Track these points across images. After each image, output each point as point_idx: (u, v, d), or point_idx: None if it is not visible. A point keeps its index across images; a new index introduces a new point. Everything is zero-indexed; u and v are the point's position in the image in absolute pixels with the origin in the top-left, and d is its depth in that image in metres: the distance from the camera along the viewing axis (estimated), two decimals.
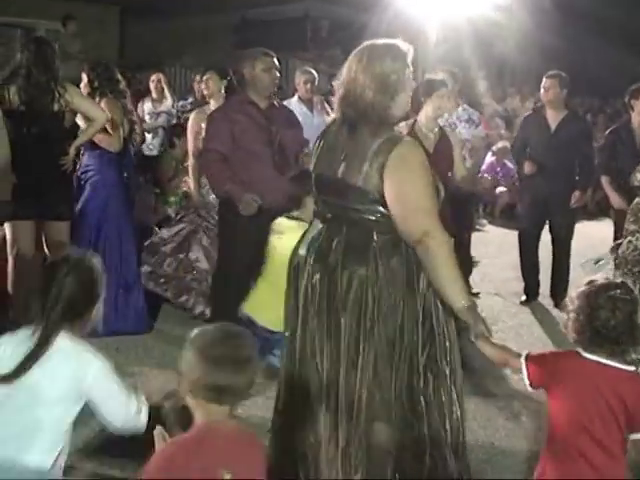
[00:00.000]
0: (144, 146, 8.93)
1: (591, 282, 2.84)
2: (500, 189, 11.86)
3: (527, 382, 2.89)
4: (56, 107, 5.43)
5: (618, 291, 2.76)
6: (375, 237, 3.24)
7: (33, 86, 5.36)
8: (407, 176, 3.17)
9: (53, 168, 5.51)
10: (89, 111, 5.65)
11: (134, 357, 5.61)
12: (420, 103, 5.42)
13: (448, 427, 3.36)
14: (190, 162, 6.41)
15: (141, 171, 8.03)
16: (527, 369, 2.88)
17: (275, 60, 5.40)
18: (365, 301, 3.23)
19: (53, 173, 5.52)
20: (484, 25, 14.38)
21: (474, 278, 7.49)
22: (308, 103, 7.78)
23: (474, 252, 7.54)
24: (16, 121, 5.31)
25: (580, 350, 2.82)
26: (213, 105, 6.38)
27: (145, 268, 6.25)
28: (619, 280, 2.92)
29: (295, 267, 3.45)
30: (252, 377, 2.48)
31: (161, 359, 5.56)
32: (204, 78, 6.50)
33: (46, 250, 5.67)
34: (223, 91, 6.43)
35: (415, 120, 5.51)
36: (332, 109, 5.53)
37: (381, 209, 3.21)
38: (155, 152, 8.54)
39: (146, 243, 6.40)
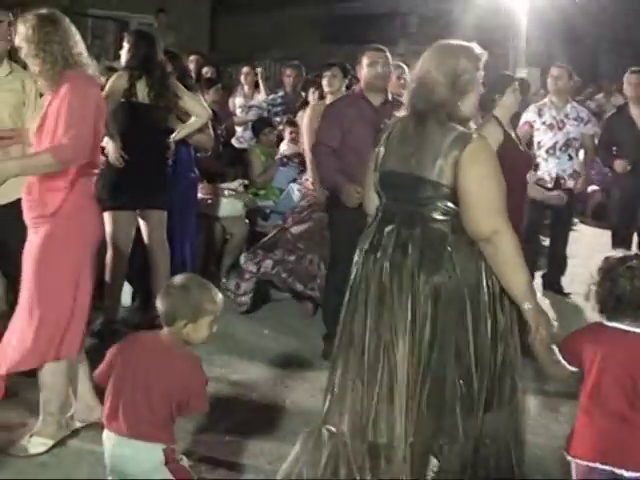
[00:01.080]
0: (234, 139, 9.01)
1: (608, 258, 3.04)
2: (592, 188, 11.59)
3: (566, 363, 3.07)
4: (172, 101, 5.54)
5: (635, 261, 2.99)
6: (449, 238, 3.24)
7: (158, 81, 5.47)
8: (480, 172, 3.19)
9: (157, 160, 5.63)
10: (194, 107, 5.74)
11: (223, 347, 5.66)
12: (494, 100, 5.31)
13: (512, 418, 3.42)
14: (308, 159, 6.41)
15: (231, 163, 8.10)
16: (562, 351, 3.07)
17: (385, 55, 5.39)
18: (439, 306, 3.23)
19: (157, 164, 5.64)
20: (572, 19, 14.12)
21: (565, 279, 7.36)
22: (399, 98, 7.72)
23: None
24: (138, 113, 5.38)
25: (603, 320, 3.02)
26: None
27: (270, 262, 6.27)
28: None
29: (360, 266, 3.44)
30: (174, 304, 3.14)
31: (251, 351, 5.61)
32: (328, 74, 6.46)
33: (145, 239, 5.76)
34: (344, 88, 6.41)
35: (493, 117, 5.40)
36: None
37: (452, 205, 3.23)
38: (245, 145, 8.59)
39: (268, 238, 6.43)
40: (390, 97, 5.54)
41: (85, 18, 14.55)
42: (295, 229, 6.21)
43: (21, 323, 3.93)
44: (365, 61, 5.36)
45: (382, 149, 3.44)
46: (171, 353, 3.21)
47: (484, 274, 3.26)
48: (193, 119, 5.75)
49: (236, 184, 7.33)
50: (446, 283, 3.22)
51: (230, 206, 7.06)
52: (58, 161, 3.74)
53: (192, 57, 9.89)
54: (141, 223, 5.75)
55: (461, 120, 3.31)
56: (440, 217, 3.25)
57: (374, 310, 3.35)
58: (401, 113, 3.47)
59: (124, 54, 5.58)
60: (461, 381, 3.25)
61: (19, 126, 4.53)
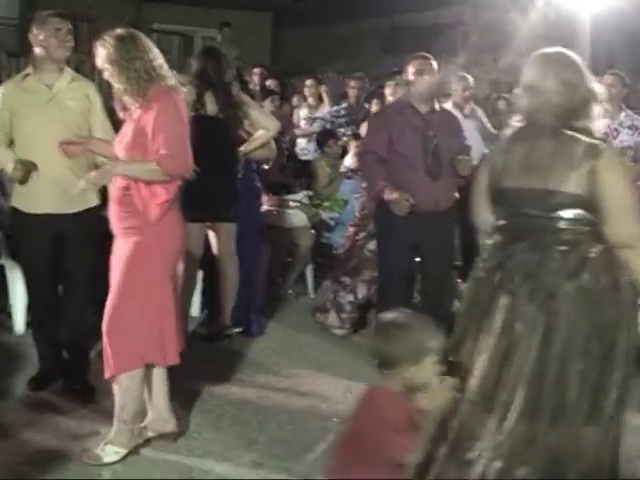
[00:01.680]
0: (298, 150, 9.05)
1: None
2: None
3: None
4: (240, 114, 5.60)
5: None
6: (586, 246, 3.22)
7: (225, 94, 5.52)
8: (619, 180, 3.21)
9: (227, 172, 5.69)
10: (262, 120, 5.78)
11: (290, 359, 5.67)
12: None
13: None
14: None
15: (296, 175, 8.13)
16: None
17: (431, 63, 5.38)
18: (575, 315, 3.19)
19: (227, 177, 5.69)
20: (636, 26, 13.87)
21: None
22: (461, 109, 7.70)
23: None
24: (207, 126, 5.40)
25: None
26: None
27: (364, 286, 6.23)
28: None
29: (483, 282, 3.40)
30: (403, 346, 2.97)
31: (317, 362, 5.63)
32: (391, 83, 6.47)
33: (215, 251, 5.80)
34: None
35: None
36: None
37: (587, 214, 3.21)
38: (310, 157, 8.62)
39: (344, 260, 6.42)
40: (437, 106, 5.54)
41: (150, 33, 14.76)
42: (372, 245, 6.12)
43: (107, 327, 4.00)
44: (411, 69, 5.36)
45: (498, 164, 3.39)
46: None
47: (621, 282, 3.23)
48: (261, 132, 5.79)
49: (301, 196, 7.37)
50: (586, 290, 3.19)
51: (296, 217, 7.09)
52: (163, 171, 3.88)
53: (256, 70, 9.99)
54: (210, 235, 5.79)
55: (586, 130, 3.28)
56: (575, 227, 3.23)
57: (502, 321, 3.28)
58: (513, 124, 3.45)
59: (191, 69, 5.64)
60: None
61: (85, 133, 4.59)
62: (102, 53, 3.95)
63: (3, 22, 13.90)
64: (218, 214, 5.71)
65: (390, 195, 5.23)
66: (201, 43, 15.54)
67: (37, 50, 4.56)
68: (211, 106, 5.51)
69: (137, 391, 4.09)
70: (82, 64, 11.02)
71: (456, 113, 7.56)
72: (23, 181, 4.55)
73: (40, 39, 4.52)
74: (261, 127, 5.78)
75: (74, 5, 15.71)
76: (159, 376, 4.19)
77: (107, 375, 4.04)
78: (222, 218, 5.74)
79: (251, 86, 6.48)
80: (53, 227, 4.60)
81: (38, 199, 4.58)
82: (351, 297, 6.22)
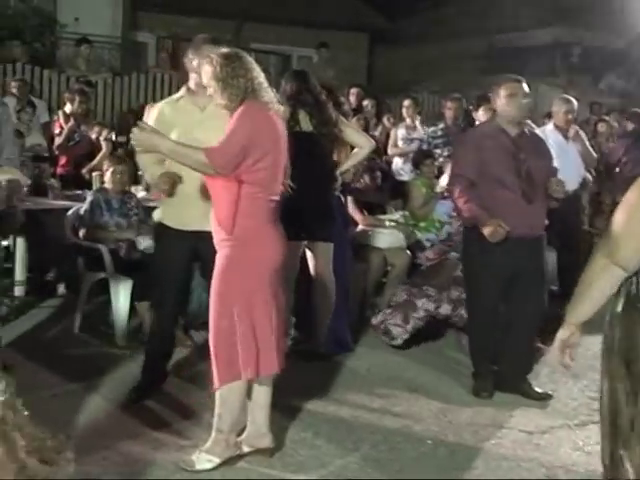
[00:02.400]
0: (394, 170, 9.08)
1: None
2: None
3: None
4: (335, 133, 5.66)
5: None
6: None
7: (317, 110, 5.59)
8: None
9: (324, 190, 5.74)
10: (357, 138, 5.83)
11: (383, 379, 5.68)
12: None
13: None
14: None
15: (392, 195, 8.15)
16: None
17: (523, 86, 5.32)
18: None
19: (323, 195, 5.74)
20: None
21: None
22: (564, 131, 7.62)
23: None
24: (303, 142, 5.41)
25: None
26: None
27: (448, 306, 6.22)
28: None
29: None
30: None
31: (410, 383, 5.62)
32: (487, 106, 6.46)
33: (311, 270, 5.87)
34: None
35: None
36: None
37: None
38: (406, 177, 8.63)
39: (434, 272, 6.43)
40: (526, 129, 5.48)
41: (248, 52, 15.00)
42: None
43: (211, 341, 4.11)
44: (503, 92, 5.29)
45: None
46: None
47: None
48: (357, 150, 5.84)
49: (397, 215, 7.38)
50: None
51: (391, 237, 7.10)
52: (205, 161, 3.94)
53: (353, 90, 10.09)
54: (307, 254, 5.85)
55: None
56: None
57: None
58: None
59: (283, 89, 5.72)
60: None
61: None
62: (208, 70, 4.08)
63: (106, 41, 14.33)
64: (315, 233, 5.74)
65: (484, 222, 5.17)
66: (298, 63, 15.75)
67: (193, 75, 4.69)
68: (305, 125, 5.59)
69: (235, 403, 4.14)
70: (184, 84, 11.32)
71: (558, 136, 7.51)
72: (170, 194, 4.67)
73: (194, 65, 4.65)
74: (356, 145, 5.83)
75: (176, 26, 16.21)
76: (263, 391, 4.24)
77: (213, 388, 4.13)
78: (319, 237, 5.79)
79: (345, 106, 6.52)
80: (194, 242, 4.70)
81: (184, 216, 4.68)
82: (431, 306, 6.18)
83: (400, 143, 9.35)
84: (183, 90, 4.84)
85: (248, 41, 15.26)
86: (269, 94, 4.16)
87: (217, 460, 4.14)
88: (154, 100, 11.05)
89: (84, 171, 7.90)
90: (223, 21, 15.75)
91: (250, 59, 4.12)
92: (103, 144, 8.13)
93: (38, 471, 3.17)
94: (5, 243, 6.39)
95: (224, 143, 3.97)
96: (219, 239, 4.11)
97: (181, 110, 4.75)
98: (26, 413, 3.19)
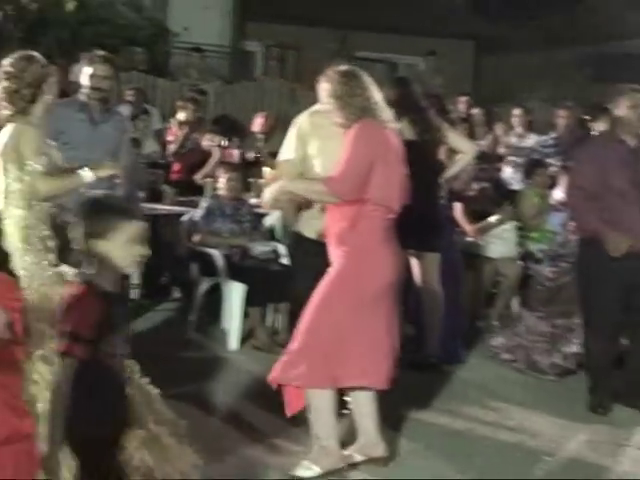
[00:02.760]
0: (505, 179, 8.94)
1: None
2: None
3: None
4: (438, 139, 5.63)
5: None
6: None
7: (418, 117, 5.57)
8: None
9: (430, 198, 5.69)
10: (461, 143, 5.79)
11: (495, 392, 5.61)
12: None
13: None
14: None
15: (502, 205, 8.02)
16: None
17: None
18: None
19: (430, 203, 5.68)
20: None
21: None
22: None
23: None
24: (407, 151, 5.49)
25: None
26: None
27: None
28: None
29: None
30: None
31: (523, 397, 5.54)
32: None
33: (417, 280, 5.83)
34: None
35: None
36: None
37: None
38: (517, 186, 8.50)
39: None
40: None
41: (354, 61, 15.04)
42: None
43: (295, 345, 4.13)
44: (626, 103, 5.14)
45: None
46: None
47: None
48: (460, 155, 5.79)
49: (509, 226, 7.27)
50: None
51: (503, 247, 7.01)
52: (326, 191, 3.98)
53: (462, 98, 10.00)
54: (414, 264, 5.81)
55: None
56: None
57: None
58: None
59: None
60: None
61: None
62: (326, 88, 4.11)
63: (215, 50, 14.56)
64: (421, 243, 5.68)
65: (607, 236, 5.04)
66: (404, 71, 15.70)
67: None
68: (407, 132, 5.56)
69: (324, 410, 4.13)
70: (294, 92, 11.45)
71: None
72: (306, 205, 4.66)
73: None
74: (460, 150, 5.77)
75: (282, 34, 16.39)
76: (367, 400, 4.23)
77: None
78: (426, 247, 5.74)
79: (453, 115, 6.46)
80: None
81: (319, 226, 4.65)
82: (574, 347, 5.95)
83: (510, 152, 9.20)
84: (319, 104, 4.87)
85: (354, 49, 15.31)
86: (385, 112, 4.15)
87: (316, 468, 4.13)
88: (262, 108, 11.21)
89: (197, 177, 8.04)
90: (329, 30, 15.85)
91: (366, 77, 4.13)
92: (214, 151, 8.25)
93: (170, 444, 3.26)
94: None
95: (342, 170, 3.96)
96: (334, 252, 4.12)
97: (317, 123, 4.70)
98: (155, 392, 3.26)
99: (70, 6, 10.68)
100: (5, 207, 4.08)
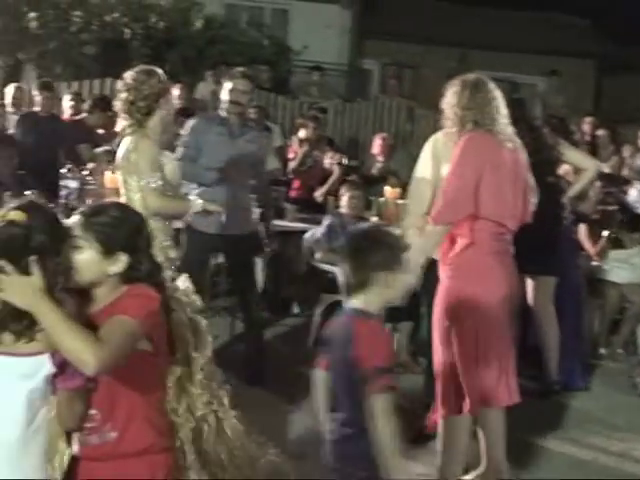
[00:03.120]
0: (630, 202, 8.69)
1: None
2: None
3: None
4: (554, 158, 5.54)
5: None
6: None
7: (536, 139, 5.47)
8: None
9: (552, 219, 5.54)
10: (581, 160, 5.67)
11: (620, 421, 5.45)
12: None
13: None
14: None
15: (629, 228, 7.80)
16: None
17: None
18: None
19: (551, 225, 5.54)
20: None
21: None
22: None
23: None
24: None
25: None
26: None
27: None
28: None
29: None
30: None
31: None
32: None
33: (531, 303, 5.71)
34: None
35: None
36: None
37: None
38: None
39: None
40: None
41: None
42: None
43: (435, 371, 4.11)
44: None
45: None
46: None
47: None
48: (582, 173, 5.66)
49: (636, 251, 7.05)
50: None
51: (630, 273, 6.80)
52: (440, 228, 3.93)
53: (587, 119, 9.80)
54: (528, 287, 5.69)
55: None
56: None
57: None
58: None
59: None
60: None
61: None
62: (446, 96, 4.05)
63: (334, 68, 14.70)
64: (535, 266, 5.50)
65: None
66: (523, 90, 15.50)
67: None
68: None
69: (458, 437, 4.08)
70: (412, 111, 11.44)
71: None
72: None
73: None
74: (580, 167, 5.65)
75: (400, 53, 16.42)
76: (497, 426, 4.14)
77: (435, 419, 4.14)
78: (540, 271, 5.62)
79: (576, 136, 6.33)
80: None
81: None
82: None
83: (636, 175, 8.95)
84: None
85: (473, 68, 15.20)
86: (506, 127, 4.04)
87: None
88: (380, 127, 11.24)
89: (317, 195, 8.11)
90: (447, 48, 15.79)
91: (490, 90, 4.01)
92: (335, 169, 8.32)
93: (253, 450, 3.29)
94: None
95: (445, 195, 3.90)
96: (444, 270, 4.04)
97: (449, 144, 4.77)
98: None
99: (198, 25, 10.97)
100: None
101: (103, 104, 7.85)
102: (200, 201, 4.38)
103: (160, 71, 4.35)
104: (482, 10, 17.22)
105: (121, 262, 2.49)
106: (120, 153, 4.24)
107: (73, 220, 2.51)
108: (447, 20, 16.85)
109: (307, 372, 5.80)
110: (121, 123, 4.34)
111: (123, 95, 4.26)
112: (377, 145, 8.78)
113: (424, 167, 4.48)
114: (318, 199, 8.02)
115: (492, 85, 4.06)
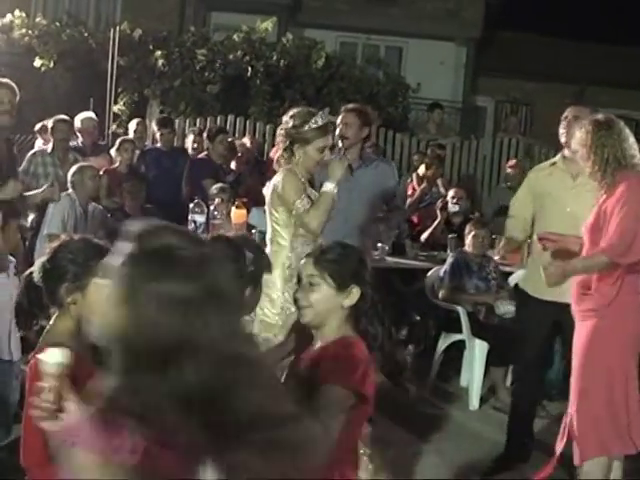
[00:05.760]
0: None
1: None
2: None
3: None
4: None
5: None
6: None
7: None
8: None
9: None
10: None
11: None
12: None
13: None
14: None
15: None
16: None
17: None
18: None
19: None
20: None
21: None
22: None
23: None
24: None
25: None
26: None
27: None
28: None
29: None
30: None
31: None
32: None
33: None
34: None
35: None
36: None
37: None
38: None
39: None
40: None
41: None
42: None
43: (574, 413, 4.02)
44: None
45: None
46: None
47: None
48: None
49: None
50: None
51: None
52: (610, 259, 3.84)
53: None
54: None
55: None
56: None
57: None
58: None
59: None
60: None
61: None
62: (578, 136, 4.03)
63: (448, 105, 14.67)
64: None
65: None
66: None
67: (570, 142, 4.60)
68: None
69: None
70: (531, 147, 11.29)
71: None
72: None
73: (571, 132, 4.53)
74: None
75: (514, 90, 16.29)
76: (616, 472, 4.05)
77: (576, 462, 4.00)
78: None
79: None
80: (553, 315, 4.64)
81: (543, 284, 4.43)
82: None
83: None
84: (558, 156, 4.82)
85: (591, 105, 14.94)
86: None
87: None
88: (498, 164, 11.13)
89: (422, 238, 7.98)
90: (562, 85, 15.57)
91: (622, 128, 3.99)
92: (438, 214, 8.12)
93: None
94: None
95: (620, 232, 3.83)
96: (584, 308, 3.99)
97: (553, 177, 4.74)
98: None
99: (320, 63, 11.11)
100: (270, 247, 4.27)
101: (221, 134, 8.05)
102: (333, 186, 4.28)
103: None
104: (599, 46, 16.96)
105: (354, 294, 2.58)
106: (270, 188, 4.32)
107: (302, 263, 2.68)
108: (562, 56, 16.65)
109: (424, 412, 5.81)
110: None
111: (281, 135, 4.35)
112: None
113: (519, 203, 4.91)
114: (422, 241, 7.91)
115: (620, 124, 4.04)
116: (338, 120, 5.64)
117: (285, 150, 4.32)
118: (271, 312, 4.10)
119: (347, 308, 2.60)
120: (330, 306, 2.58)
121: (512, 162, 9.11)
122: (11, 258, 4.32)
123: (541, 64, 16.38)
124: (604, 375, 3.92)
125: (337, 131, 5.61)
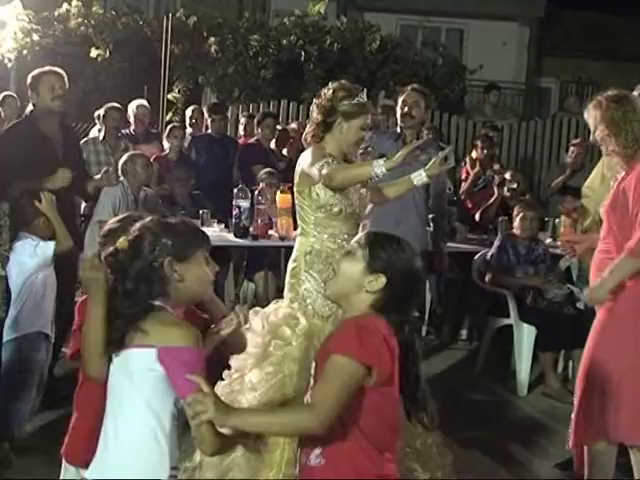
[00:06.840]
0: None
1: None
2: None
3: None
4: None
5: None
6: None
7: None
8: None
9: None
10: None
11: None
12: None
13: None
14: None
15: None
16: None
17: None
18: None
19: None
20: None
21: None
22: None
23: None
24: None
25: None
26: None
27: None
28: None
29: None
30: None
31: None
32: None
33: None
34: None
35: None
36: None
37: None
38: None
39: None
40: None
41: None
42: None
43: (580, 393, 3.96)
44: None
45: None
46: None
47: None
48: None
49: None
50: None
51: None
52: (636, 260, 3.69)
53: None
54: None
55: None
56: None
57: None
58: None
59: None
60: None
61: None
62: (597, 114, 3.83)
63: (509, 87, 14.42)
64: None
65: None
66: None
67: None
68: None
69: (606, 468, 3.89)
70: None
71: None
72: None
73: None
74: None
75: (580, 70, 15.94)
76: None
77: (570, 445, 3.99)
78: None
79: None
80: None
81: None
82: None
83: None
84: None
85: None
86: None
87: None
88: (558, 145, 10.90)
89: (476, 217, 7.86)
90: (629, 64, 15.17)
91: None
92: (495, 191, 7.97)
93: None
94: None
95: None
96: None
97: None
98: None
99: (374, 46, 11.01)
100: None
101: (270, 119, 8.04)
102: (382, 164, 3.80)
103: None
104: None
105: (378, 282, 2.54)
106: (298, 170, 4.05)
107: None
108: (628, 35, 16.24)
109: (473, 399, 5.72)
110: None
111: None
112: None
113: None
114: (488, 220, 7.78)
115: (637, 98, 3.91)
116: (400, 100, 5.61)
117: (319, 125, 3.97)
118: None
119: (370, 295, 2.54)
120: (353, 281, 2.55)
121: (576, 141, 8.84)
122: (49, 243, 4.37)
123: (606, 43, 16.00)
124: (612, 361, 3.81)
125: (398, 111, 5.57)
